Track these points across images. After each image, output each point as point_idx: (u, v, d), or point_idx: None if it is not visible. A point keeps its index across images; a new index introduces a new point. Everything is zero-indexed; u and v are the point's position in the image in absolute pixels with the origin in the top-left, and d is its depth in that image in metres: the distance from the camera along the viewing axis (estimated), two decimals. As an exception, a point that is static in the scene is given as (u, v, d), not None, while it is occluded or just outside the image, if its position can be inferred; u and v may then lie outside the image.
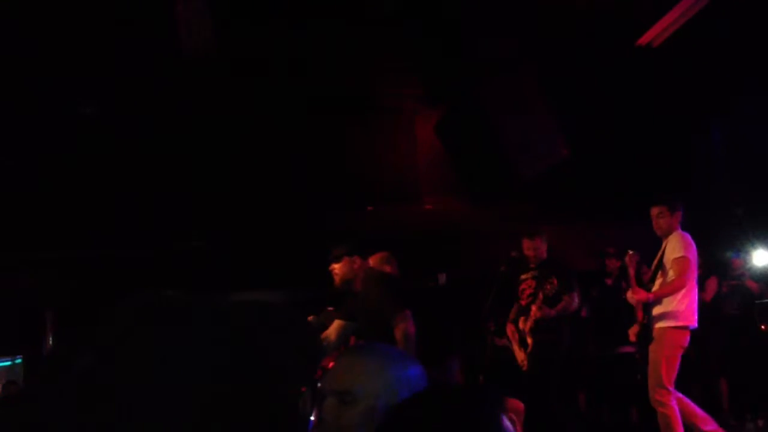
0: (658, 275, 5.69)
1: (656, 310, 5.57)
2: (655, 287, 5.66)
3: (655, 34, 7.07)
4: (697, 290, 5.65)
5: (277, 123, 7.58)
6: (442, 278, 7.38)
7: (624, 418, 7.91)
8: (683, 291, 5.47)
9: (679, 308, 5.51)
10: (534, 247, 6.39)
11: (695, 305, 5.56)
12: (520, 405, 5.86)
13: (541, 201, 7.88)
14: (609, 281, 7.96)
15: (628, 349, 7.16)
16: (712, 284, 7.30)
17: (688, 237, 5.65)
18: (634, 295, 5.62)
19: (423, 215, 8.54)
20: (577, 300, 6.34)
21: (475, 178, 7.38)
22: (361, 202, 8.89)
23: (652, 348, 5.56)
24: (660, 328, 5.54)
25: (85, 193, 7.47)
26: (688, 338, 5.54)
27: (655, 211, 5.76)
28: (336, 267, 5.28)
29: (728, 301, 7.43)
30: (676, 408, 5.37)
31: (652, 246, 5.96)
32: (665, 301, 5.53)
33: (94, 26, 5.97)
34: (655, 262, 5.79)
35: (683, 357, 7.68)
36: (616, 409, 7.95)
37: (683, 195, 6.86)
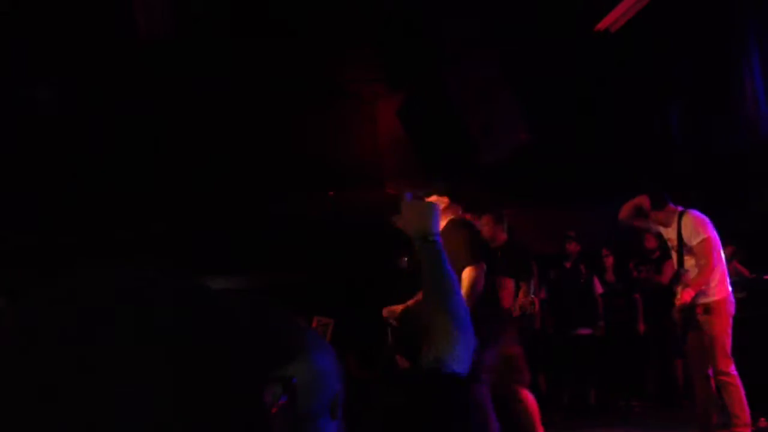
0: (686, 259, 5.82)
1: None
2: (691, 274, 5.77)
3: (612, 19, 7.15)
4: (723, 258, 5.84)
5: (239, 107, 7.51)
6: (404, 262, 7.40)
7: (583, 399, 8.05)
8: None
9: (717, 281, 5.68)
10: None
11: (726, 273, 5.77)
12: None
13: (501, 185, 7.93)
14: (568, 264, 8.07)
15: (585, 331, 7.29)
16: (670, 267, 7.44)
17: (699, 215, 5.80)
18: (684, 298, 5.72)
19: (385, 199, 8.54)
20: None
21: (436, 163, 7.40)
22: (322, 187, 8.88)
23: (705, 324, 5.66)
24: (708, 303, 5.65)
25: (35, 179, 7.35)
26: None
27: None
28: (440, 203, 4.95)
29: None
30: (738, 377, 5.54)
31: (611, 229, 6.08)
32: (694, 273, 5.71)
33: (49, 8, 5.86)
34: (675, 245, 5.91)
35: (643, 338, 7.83)
36: (575, 390, 8.08)
37: (641, 178, 6.98)
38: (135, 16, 5.89)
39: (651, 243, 7.89)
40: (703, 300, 5.67)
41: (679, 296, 5.73)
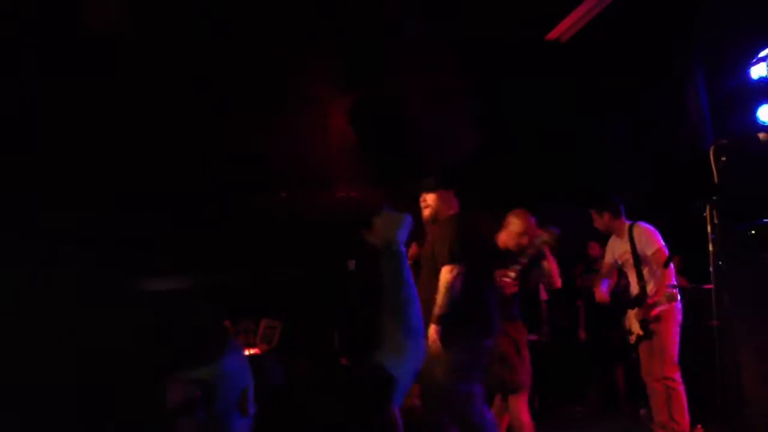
0: (644, 269, 5.93)
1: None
2: (650, 285, 5.96)
3: (563, 29, 7.23)
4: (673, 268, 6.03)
5: (190, 107, 7.44)
6: (352, 264, 7.40)
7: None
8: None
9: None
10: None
11: (675, 282, 6.00)
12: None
13: (453, 189, 7.97)
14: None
15: (531, 336, 7.33)
16: (614, 274, 7.53)
17: (648, 226, 5.95)
18: (654, 311, 5.82)
19: (335, 202, 8.54)
20: None
21: (386, 167, 7.41)
22: (273, 189, 8.84)
23: (657, 330, 5.78)
24: (661, 310, 5.84)
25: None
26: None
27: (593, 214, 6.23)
28: (428, 198, 4.90)
29: (627, 290, 7.67)
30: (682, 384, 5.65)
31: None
32: (657, 286, 5.86)
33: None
34: (630, 258, 5.99)
35: (586, 344, 7.92)
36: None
37: (589, 188, 7.07)
38: (84, 8, 5.82)
39: (595, 251, 7.99)
40: (659, 307, 5.81)
41: (645, 308, 5.84)
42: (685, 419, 5.71)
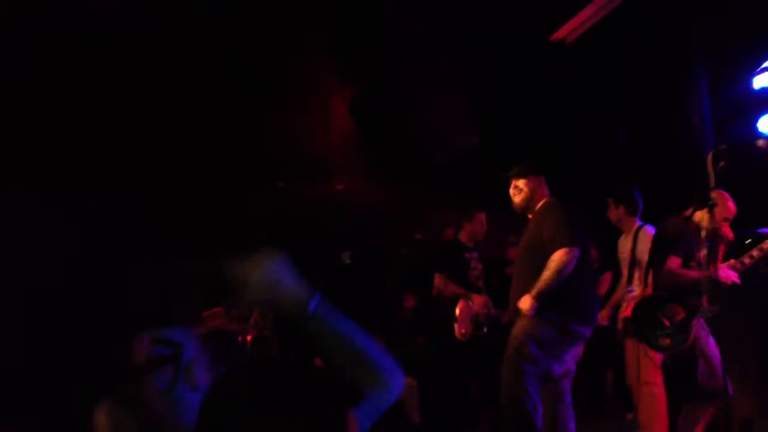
0: (636, 271, 5.95)
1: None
2: (636, 289, 5.91)
3: (569, 30, 7.22)
4: None
5: (191, 96, 7.43)
6: (346, 256, 7.41)
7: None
8: None
9: None
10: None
11: None
12: (413, 381, 5.92)
13: (450, 186, 7.97)
14: (508, 270, 8.09)
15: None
16: (607, 278, 7.52)
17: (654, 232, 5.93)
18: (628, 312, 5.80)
19: (333, 194, 8.54)
20: None
21: (386, 160, 7.42)
22: (272, 178, 8.83)
23: None
24: None
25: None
26: None
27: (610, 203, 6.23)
28: (520, 183, 4.91)
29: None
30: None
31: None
32: (639, 290, 5.82)
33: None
34: (628, 258, 6.00)
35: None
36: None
37: (586, 189, 7.06)
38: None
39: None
40: None
41: (623, 308, 5.86)
42: (664, 424, 5.71)
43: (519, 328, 4.61)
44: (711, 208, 3.86)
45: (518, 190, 4.87)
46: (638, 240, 6.02)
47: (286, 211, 8.41)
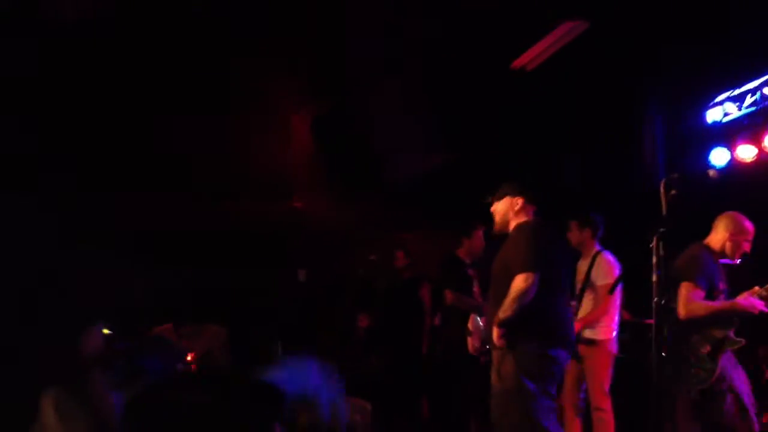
0: (586, 294, 5.97)
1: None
2: (586, 307, 6.03)
3: (529, 58, 7.35)
4: (618, 301, 6.08)
5: (150, 110, 7.38)
6: (302, 275, 7.39)
7: (465, 425, 8.09)
8: None
9: (605, 323, 5.98)
10: None
11: (616, 317, 6.03)
12: (366, 404, 5.91)
13: (404, 208, 8.01)
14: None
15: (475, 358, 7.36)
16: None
17: (612, 259, 6.10)
18: None
19: (291, 212, 8.53)
20: None
21: (345, 180, 7.44)
22: (231, 196, 8.78)
23: (585, 357, 5.85)
24: (591, 339, 5.91)
25: None
26: None
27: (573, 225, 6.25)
28: (496, 206, 4.81)
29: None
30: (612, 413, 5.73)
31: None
32: (583, 313, 6.02)
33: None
34: (582, 278, 6.07)
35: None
36: (457, 415, 8.13)
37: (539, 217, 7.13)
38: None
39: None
40: (588, 335, 5.87)
41: None
42: None
43: (506, 366, 4.46)
44: (662, 236, 3.92)
45: (495, 212, 4.85)
46: (595, 264, 6.10)
47: (244, 229, 8.38)
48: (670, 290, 4.82)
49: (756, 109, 6.34)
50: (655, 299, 4.16)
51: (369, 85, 7.29)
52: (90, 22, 6.05)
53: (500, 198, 4.82)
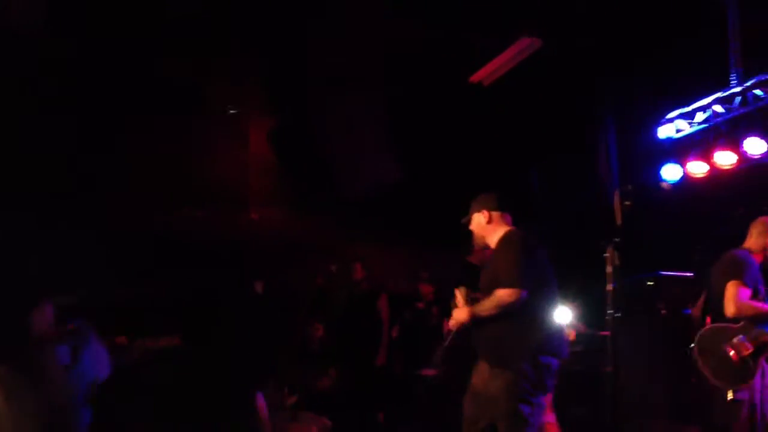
0: None
1: None
2: None
3: (486, 73, 7.44)
4: None
5: (105, 117, 7.29)
6: (259, 286, 7.31)
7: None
8: None
9: None
10: None
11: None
12: (327, 422, 5.93)
13: (360, 222, 8.02)
14: (420, 305, 8.18)
15: (431, 371, 7.39)
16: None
17: None
18: None
19: (247, 223, 8.48)
20: None
21: (303, 190, 7.42)
22: (187, 206, 8.70)
23: None
24: None
25: None
26: None
27: None
28: (471, 225, 4.75)
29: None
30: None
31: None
32: None
33: None
34: None
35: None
36: (413, 428, 8.14)
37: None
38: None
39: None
40: None
41: None
42: None
43: (498, 385, 4.39)
44: (616, 246, 3.98)
45: (471, 231, 4.85)
46: None
47: (200, 239, 8.30)
48: (713, 292, 4.97)
49: (707, 126, 6.45)
50: (610, 311, 4.22)
51: (328, 97, 7.30)
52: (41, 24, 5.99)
53: (470, 217, 4.80)
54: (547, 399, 5.54)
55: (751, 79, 6.00)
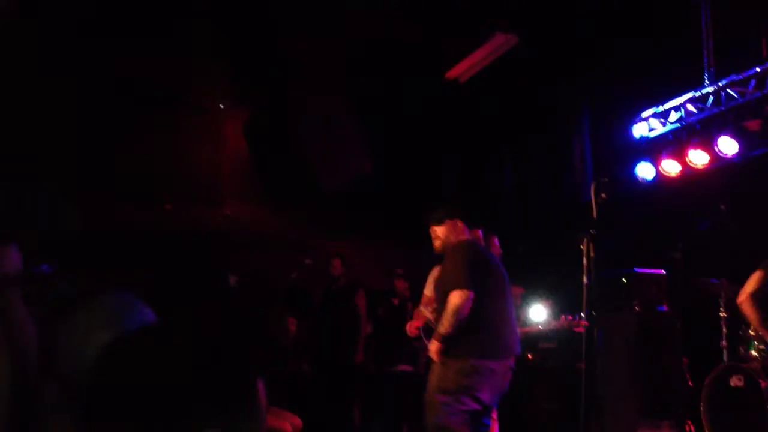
0: None
1: None
2: None
3: (462, 70, 7.45)
4: None
5: (79, 112, 7.21)
6: (233, 280, 7.27)
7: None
8: None
9: None
10: None
11: None
12: (298, 420, 5.93)
13: (336, 217, 8.01)
14: (395, 301, 8.16)
15: (406, 367, 7.38)
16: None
17: None
18: None
19: (221, 218, 8.42)
20: None
21: (277, 185, 7.37)
22: (160, 200, 8.63)
23: None
24: None
25: None
26: None
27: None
28: (436, 230, 4.89)
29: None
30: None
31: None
32: None
33: None
34: None
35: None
36: (389, 424, 8.13)
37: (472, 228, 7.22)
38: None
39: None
40: None
41: None
42: None
43: (433, 378, 4.66)
44: (592, 238, 4.00)
45: (435, 236, 4.98)
46: None
47: (173, 233, 8.24)
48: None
49: (680, 126, 6.51)
50: (584, 307, 4.25)
51: (301, 91, 7.26)
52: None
53: (440, 221, 4.91)
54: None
55: (723, 79, 6.08)
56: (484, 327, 4.62)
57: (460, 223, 4.87)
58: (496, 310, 4.73)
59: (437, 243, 4.92)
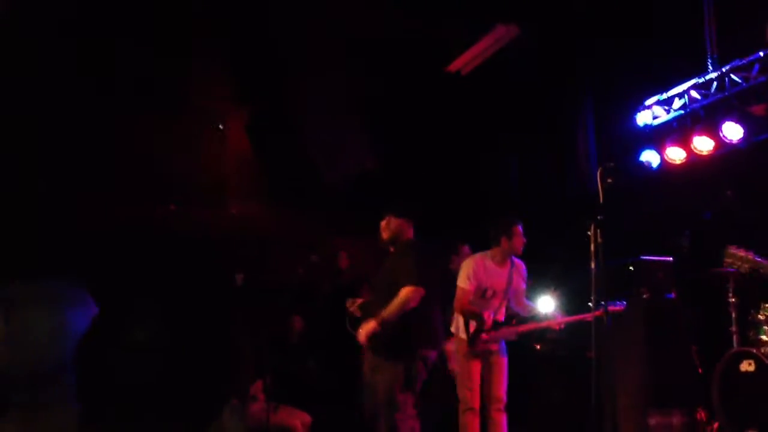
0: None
1: None
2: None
3: (463, 62, 7.43)
4: None
5: (85, 113, 7.23)
6: (240, 279, 7.27)
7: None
8: None
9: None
10: None
11: None
12: (308, 417, 5.98)
13: (341, 213, 8.00)
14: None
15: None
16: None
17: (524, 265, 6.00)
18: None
19: (227, 217, 8.43)
20: None
21: (281, 182, 7.38)
22: (165, 200, 8.63)
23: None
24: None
25: None
26: None
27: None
28: (391, 221, 5.09)
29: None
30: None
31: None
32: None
33: None
34: (502, 288, 6.05)
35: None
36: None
37: (477, 221, 7.19)
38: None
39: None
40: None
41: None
42: None
43: (383, 376, 4.77)
44: (599, 224, 3.97)
45: (387, 226, 5.08)
46: (514, 270, 5.94)
47: (178, 233, 8.24)
48: None
49: (684, 113, 6.48)
50: (592, 295, 4.21)
51: (303, 87, 7.27)
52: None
53: (396, 215, 5.10)
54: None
55: (727, 65, 6.05)
56: (431, 322, 4.92)
57: (410, 222, 5.08)
58: (436, 306, 5.01)
59: (386, 234, 5.11)
